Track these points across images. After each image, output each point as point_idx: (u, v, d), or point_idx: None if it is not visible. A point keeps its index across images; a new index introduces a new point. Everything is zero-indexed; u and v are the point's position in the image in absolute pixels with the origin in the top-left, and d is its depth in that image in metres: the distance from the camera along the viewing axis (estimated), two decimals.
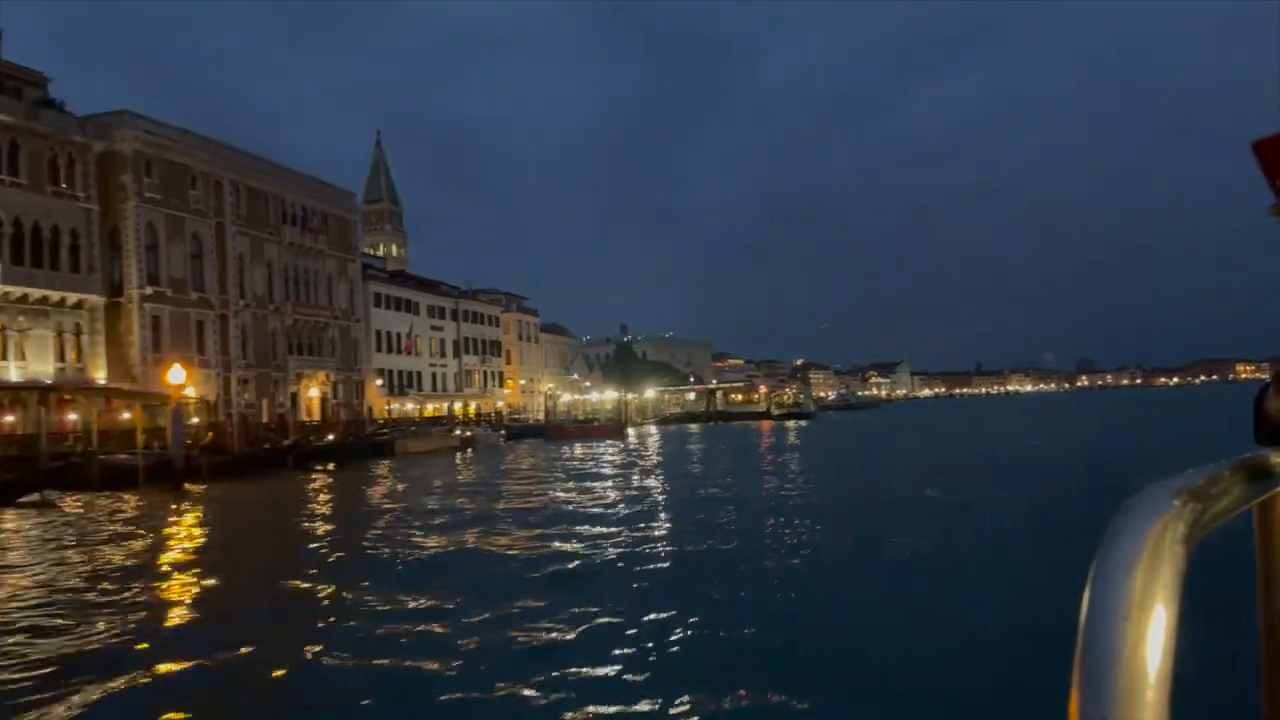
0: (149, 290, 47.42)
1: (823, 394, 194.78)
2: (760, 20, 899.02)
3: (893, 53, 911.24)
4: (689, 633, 9.66)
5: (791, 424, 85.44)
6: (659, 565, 13.87)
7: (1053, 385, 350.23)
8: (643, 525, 18.24)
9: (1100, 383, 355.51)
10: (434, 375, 78.45)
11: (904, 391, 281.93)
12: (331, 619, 10.98)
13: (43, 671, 8.87)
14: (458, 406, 79.00)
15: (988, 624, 9.51)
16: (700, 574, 12.93)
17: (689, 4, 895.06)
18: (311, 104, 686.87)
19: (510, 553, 15.22)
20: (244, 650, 9.45)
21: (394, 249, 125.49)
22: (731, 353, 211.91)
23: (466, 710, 7.67)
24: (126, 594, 12.95)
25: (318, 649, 9.50)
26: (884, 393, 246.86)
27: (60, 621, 11.14)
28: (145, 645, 10.00)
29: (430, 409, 74.56)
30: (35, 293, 41.75)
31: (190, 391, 49.22)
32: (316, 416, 57.79)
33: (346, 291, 64.96)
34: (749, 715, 7.36)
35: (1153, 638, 0.55)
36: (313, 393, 59.60)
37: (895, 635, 9.39)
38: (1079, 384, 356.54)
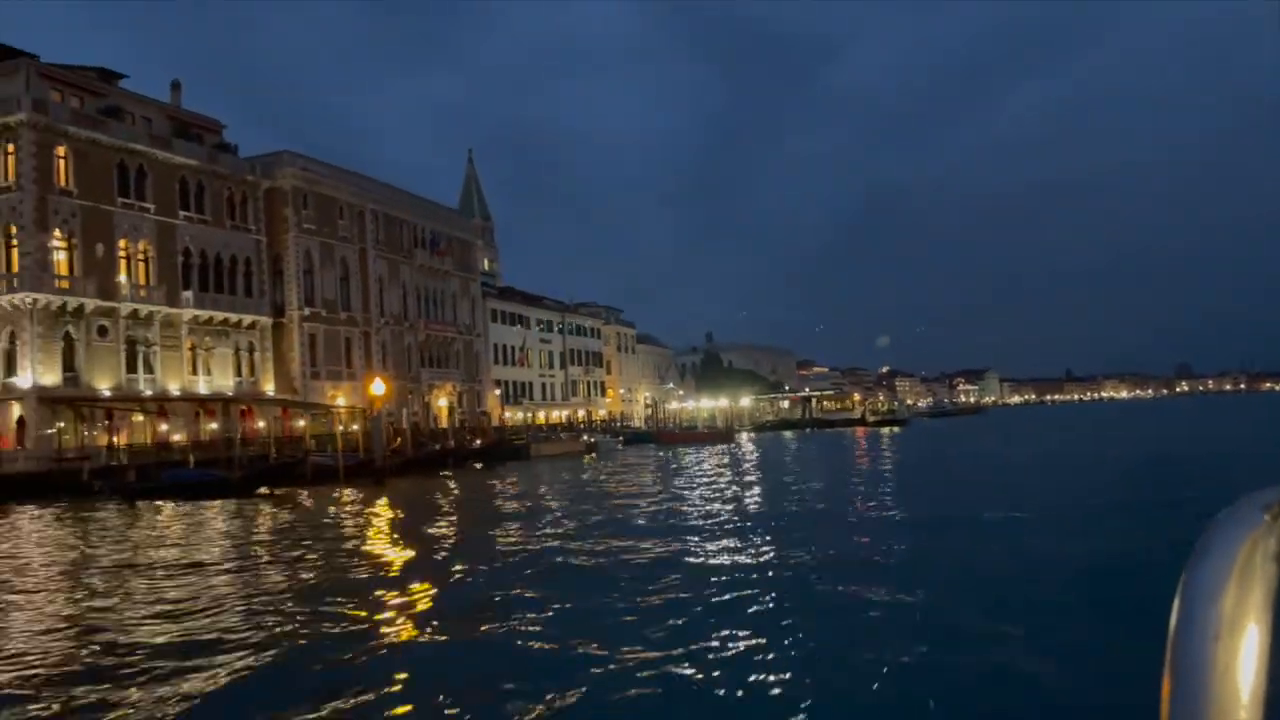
0: (306, 311, 52.80)
1: (910, 401, 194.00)
2: (840, 22, 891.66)
3: (977, 52, 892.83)
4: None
5: (886, 430, 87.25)
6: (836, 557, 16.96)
7: (1149, 391, 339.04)
8: (799, 519, 21.37)
9: (1201, 388, 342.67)
10: (544, 385, 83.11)
11: (993, 398, 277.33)
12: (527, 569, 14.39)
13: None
14: (566, 414, 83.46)
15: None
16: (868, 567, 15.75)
17: (769, 7, 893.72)
18: (401, 120, 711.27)
19: (655, 539, 18.29)
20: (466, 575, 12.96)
21: (486, 263, 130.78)
22: (815, 360, 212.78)
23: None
24: (388, 547, 16.78)
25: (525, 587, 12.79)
26: (972, 399, 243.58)
27: (371, 556, 14.96)
28: (404, 574, 13.63)
29: (541, 416, 79.17)
30: (218, 315, 47.34)
31: (341, 401, 54.66)
32: (444, 424, 62.65)
33: (468, 308, 69.97)
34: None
35: (1245, 659, 0.55)
36: (441, 402, 64.54)
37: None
38: (1178, 389, 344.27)
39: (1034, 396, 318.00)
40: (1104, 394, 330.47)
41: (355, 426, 47.54)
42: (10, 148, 39.88)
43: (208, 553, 17.84)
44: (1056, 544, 15.62)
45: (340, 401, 53.71)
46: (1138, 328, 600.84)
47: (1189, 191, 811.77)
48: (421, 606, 12.20)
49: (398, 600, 12.54)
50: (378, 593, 13.08)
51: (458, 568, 15.12)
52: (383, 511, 25.47)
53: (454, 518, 24.04)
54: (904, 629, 9.87)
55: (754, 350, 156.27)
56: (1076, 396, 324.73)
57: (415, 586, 13.44)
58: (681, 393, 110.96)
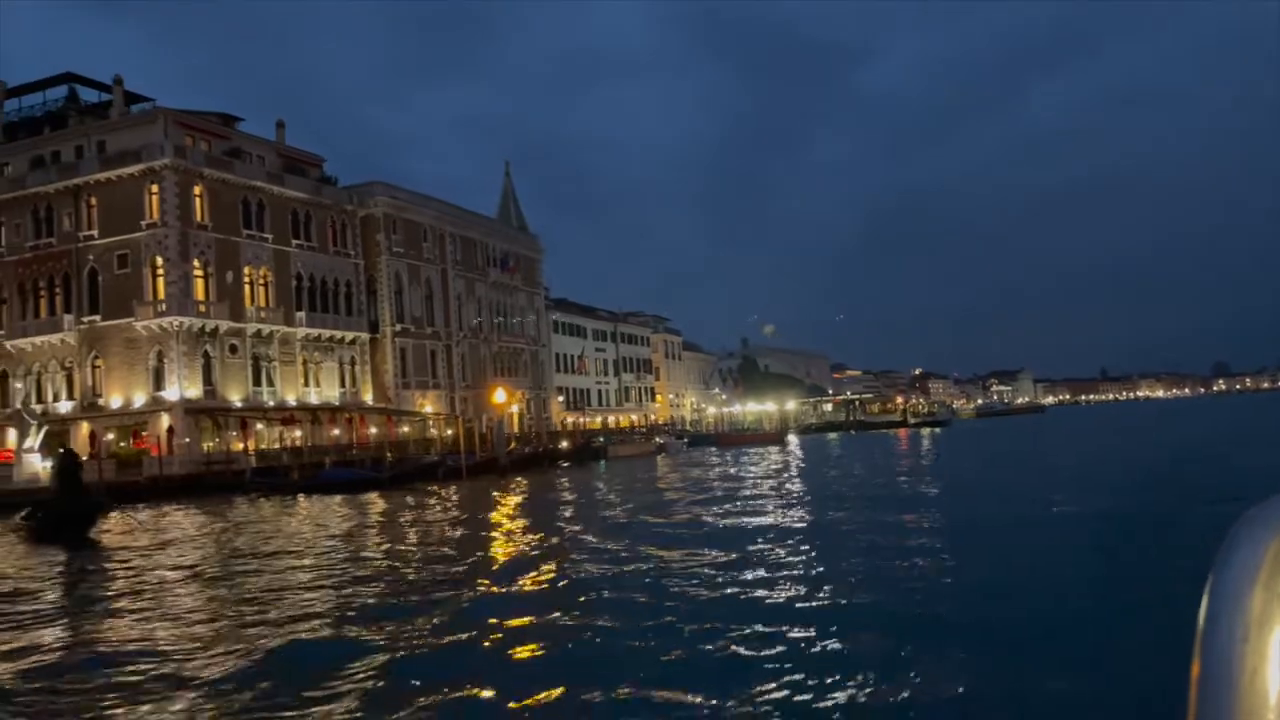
0: (398, 327, 57.88)
1: (948, 402, 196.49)
2: (865, 25, 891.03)
3: (1006, 50, 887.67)
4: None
5: (927, 431, 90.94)
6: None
7: (1186, 390, 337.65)
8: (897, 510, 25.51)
9: (1238, 386, 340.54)
10: (600, 392, 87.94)
11: (1026, 398, 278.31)
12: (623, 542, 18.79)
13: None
14: (619, 419, 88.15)
15: None
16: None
17: (793, 10, 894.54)
18: (428, 131, 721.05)
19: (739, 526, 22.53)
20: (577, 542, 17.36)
21: None
22: (847, 363, 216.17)
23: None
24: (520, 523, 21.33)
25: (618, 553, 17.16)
26: (1006, 399, 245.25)
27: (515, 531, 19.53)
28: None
29: (599, 422, 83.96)
30: (325, 333, 52.53)
31: (428, 409, 59.69)
32: (516, 429, 67.55)
33: (534, 321, 74.96)
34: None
35: (1273, 660, 0.54)
36: (513, 409, 69.44)
37: None
38: (1215, 388, 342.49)
39: (1069, 396, 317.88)
40: (1140, 393, 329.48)
41: (450, 431, 52.54)
42: (154, 188, 45.26)
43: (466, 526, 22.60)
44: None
45: (427, 409, 58.83)
46: (1173, 326, 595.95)
47: (1223, 188, 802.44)
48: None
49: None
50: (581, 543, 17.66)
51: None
52: (532, 499, 30.28)
53: (590, 503, 28.56)
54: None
55: (789, 354, 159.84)
56: (1112, 396, 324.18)
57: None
58: (725, 397, 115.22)
